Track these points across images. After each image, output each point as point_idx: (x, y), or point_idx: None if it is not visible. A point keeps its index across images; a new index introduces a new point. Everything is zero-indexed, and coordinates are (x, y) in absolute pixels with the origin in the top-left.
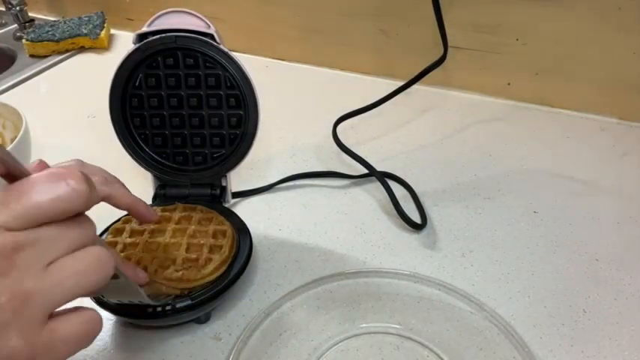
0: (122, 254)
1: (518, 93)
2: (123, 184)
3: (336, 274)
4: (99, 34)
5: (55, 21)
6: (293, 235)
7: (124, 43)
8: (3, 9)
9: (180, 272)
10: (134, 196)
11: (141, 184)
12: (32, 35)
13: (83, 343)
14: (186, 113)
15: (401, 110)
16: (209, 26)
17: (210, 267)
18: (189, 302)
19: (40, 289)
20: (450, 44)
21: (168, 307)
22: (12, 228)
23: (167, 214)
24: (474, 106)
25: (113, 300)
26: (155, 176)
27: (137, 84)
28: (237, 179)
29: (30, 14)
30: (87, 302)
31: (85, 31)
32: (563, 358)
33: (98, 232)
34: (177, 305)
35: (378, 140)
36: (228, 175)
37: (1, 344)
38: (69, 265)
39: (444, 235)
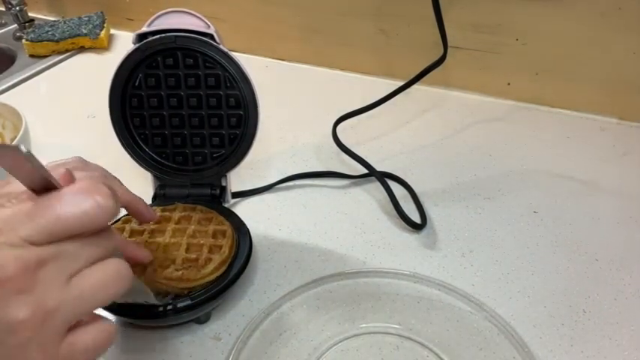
0: None
1: (518, 93)
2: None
3: (336, 274)
4: (99, 34)
5: (54, 21)
6: (293, 235)
7: (124, 43)
8: (3, 9)
9: (180, 272)
10: (134, 194)
11: (141, 184)
12: (32, 35)
13: (99, 353)
14: (185, 113)
15: (401, 110)
16: (209, 26)
17: (210, 267)
18: (189, 302)
19: (62, 305)
20: (450, 44)
21: (168, 307)
22: (36, 242)
23: (167, 214)
24: (473, 106)
25: (120, 300)
26: (155, 176)
27: (137, 84)
28: (237, 179)
29: (30, 14)
30: None
31: (84, 31)
32: (563, 358)
33: None
34: (177, 305)
35: (378, 140)
36: (228, 175)
37: None
38: (89, 279)
39: (443, 235)
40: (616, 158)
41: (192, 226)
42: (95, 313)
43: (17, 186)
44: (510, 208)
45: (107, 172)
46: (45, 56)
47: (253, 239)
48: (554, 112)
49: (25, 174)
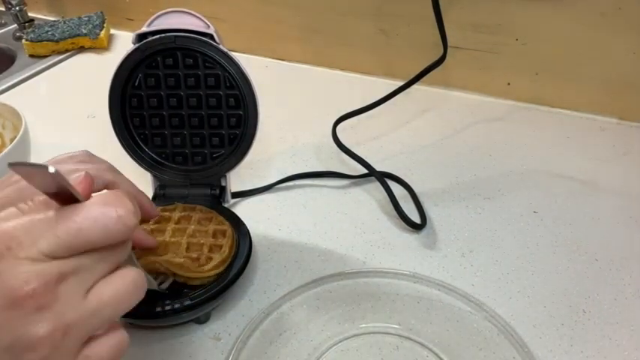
0: None
1: (518, 93)
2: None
3: (336, 274)
4: (98, 34)
5: (54, 21)
6: (293, 235)
7: (124, 43)
8: (3, 9)
9: (183, 259)
10: (138, 189)
11: (141, 184)
12: (32, 35)
13: None
14: (185, 113)
15: (401, 110)
16: (208, 26)
17: (211, 264)
18: (189, 302)
19: (80, 320)
20: (449, 44)
21: (167, 308)
22: (57, 256)
23: (167, 214)
24: (474, 106)
25: None
26: (155, 176)
27: (137, 84)
28: (237, 179)
29: (30, 14)
30: None
31: (84, 31)
32: (562, 358)
33: None
34: (177, 305)
35: (377, 140)
36: (227, 175)
37: None
38: (107, 293)
39: (443, 235)
40: (616, 158)
41: (192, 226)
42: (113, 326)
43: (32, 188)
44: (510, 208)
45: (112, 166)
46: (45, 56)
47: (253, 239)
48: (554, 112)
49: (46, 186)
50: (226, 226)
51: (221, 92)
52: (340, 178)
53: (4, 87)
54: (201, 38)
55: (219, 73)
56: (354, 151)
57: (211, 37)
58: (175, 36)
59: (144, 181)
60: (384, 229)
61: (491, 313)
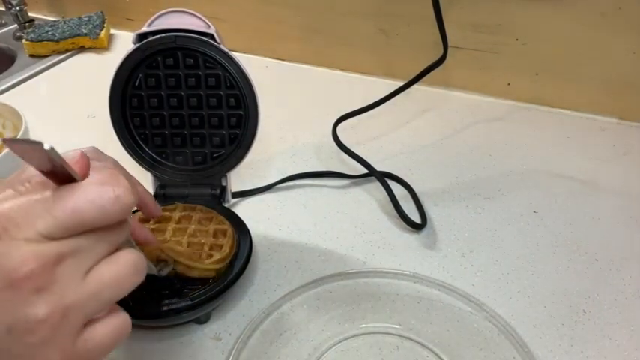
0: None
1: (518, 93)
2: None
3: (336, 274)
4: (99, 34)
5: (55, 21)
6: (293, 235)
7: (124, 43)
8: (3, 9)
9: (184, 248)
10: (144, 187)
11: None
12: (32, 35)
13: (114, 347)
14: (186, 113)
15: (401, 110)
16: (209, 26)
17: (211, 259)
18: (189, 302)
19: (79, 301)
20: (450, 44)
21: (165, 307)
22: (54, 237)
23: (167, 214)
24: (474, 106)
25: None
26: (155, 176)
27: (137, 84)
28: (237, 179)
29: (30, 14)
30: None
31: (85, 31)
32: (562, 358)
33: None
34: (178, 305)
35: (378, 140)
36: (228, 175)
37: (38, 359)
38: (106, 274)
39: (444, 235)
40: (616, 158)
41: (193, 226)
42: (114, 308)
43: (31, 171)
44: (510, 208)
45: (118, 163)
46: (45, 56)
47: (253, 239)
48: (554, 112)
49: (42, 163)
50: (227, 226)
51: (221, 92)
52: (340, 178)
53: (4, 87)
54: (201, 38)
55: (220, 73)
56: (355, 151)
57: (212, 37)
58: (176, 36)
59: (144, 181)
60: (385, 229)
61: (492, 313)
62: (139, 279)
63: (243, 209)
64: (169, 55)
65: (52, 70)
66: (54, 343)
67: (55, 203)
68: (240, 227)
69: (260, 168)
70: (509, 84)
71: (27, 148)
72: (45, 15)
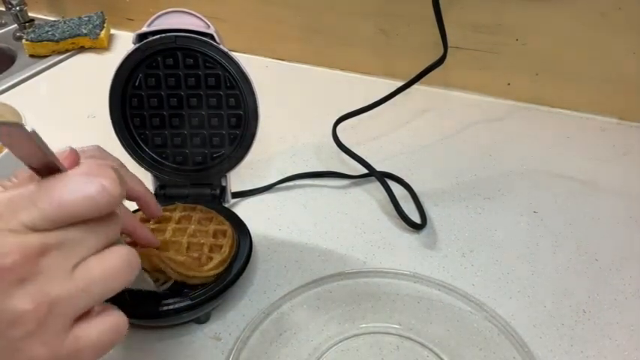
0: None
1: (518, 93)
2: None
3: (336, 274)
4: (99, 34)
5: (55, 21)
6: (293, 235)
7: (124, 43)
8: (3, 9)
9: (184, 258)
10: (146, 187)
11: None
12: (32, 35)
13: (108, 349)
14: (186, 113)
15: (401, 110)
16: (209, 26)
17: (211, 264)
18: (189, 302)
19: (66, 296)
20: (450, 44)
21: (164, 307)
22: (38, 228)
23: (167, 214)
24: (474, 106)
25: None
26: (155, 176)
27: (137, 84)
28: (237, 179)
29: (30, 14)
30: None
31: (84, 31)
32: (562, 358)
33: None
34: (178, 305)
35: (378, 140)
36: (228, 175)
37: (23, 355)
38: (96, 269)
39: (444, 235)
40: (616, 158)
41: (193, 226)
42: (105, 304)
43: (20, 171)
44: (510, 208)
45: (121, 162)
46: (45, 56)
47: (253, 239)
48: (554, 112)
49: (28, 153)
50: (226, 226)
51: (221, 92)
52: (340, 178)
53: (4, 87)
54: (201, 38)
55: (220, 73)
56: (355, 151)
57: (212, 37)
58: (176, 36)
59: (144, 181)
60: (385, 229)
61: (492, 313)
62: (132, 275)
63: (243, 209)
64: (169, 55)
65: (52, 70)
66: (39, 338)
67: (39, 194)
68: (240, 227)
69: (260, 168)
70: (509, 84)
71: (9, 131)
72: (45, 15)
